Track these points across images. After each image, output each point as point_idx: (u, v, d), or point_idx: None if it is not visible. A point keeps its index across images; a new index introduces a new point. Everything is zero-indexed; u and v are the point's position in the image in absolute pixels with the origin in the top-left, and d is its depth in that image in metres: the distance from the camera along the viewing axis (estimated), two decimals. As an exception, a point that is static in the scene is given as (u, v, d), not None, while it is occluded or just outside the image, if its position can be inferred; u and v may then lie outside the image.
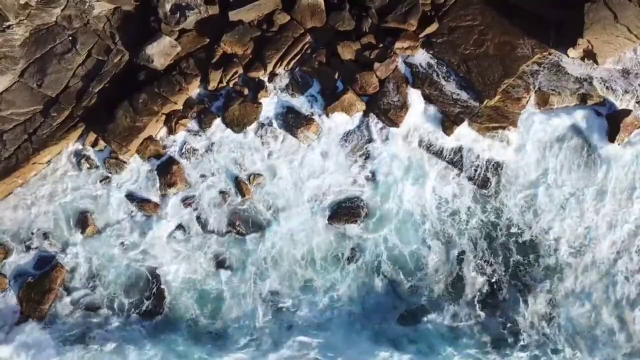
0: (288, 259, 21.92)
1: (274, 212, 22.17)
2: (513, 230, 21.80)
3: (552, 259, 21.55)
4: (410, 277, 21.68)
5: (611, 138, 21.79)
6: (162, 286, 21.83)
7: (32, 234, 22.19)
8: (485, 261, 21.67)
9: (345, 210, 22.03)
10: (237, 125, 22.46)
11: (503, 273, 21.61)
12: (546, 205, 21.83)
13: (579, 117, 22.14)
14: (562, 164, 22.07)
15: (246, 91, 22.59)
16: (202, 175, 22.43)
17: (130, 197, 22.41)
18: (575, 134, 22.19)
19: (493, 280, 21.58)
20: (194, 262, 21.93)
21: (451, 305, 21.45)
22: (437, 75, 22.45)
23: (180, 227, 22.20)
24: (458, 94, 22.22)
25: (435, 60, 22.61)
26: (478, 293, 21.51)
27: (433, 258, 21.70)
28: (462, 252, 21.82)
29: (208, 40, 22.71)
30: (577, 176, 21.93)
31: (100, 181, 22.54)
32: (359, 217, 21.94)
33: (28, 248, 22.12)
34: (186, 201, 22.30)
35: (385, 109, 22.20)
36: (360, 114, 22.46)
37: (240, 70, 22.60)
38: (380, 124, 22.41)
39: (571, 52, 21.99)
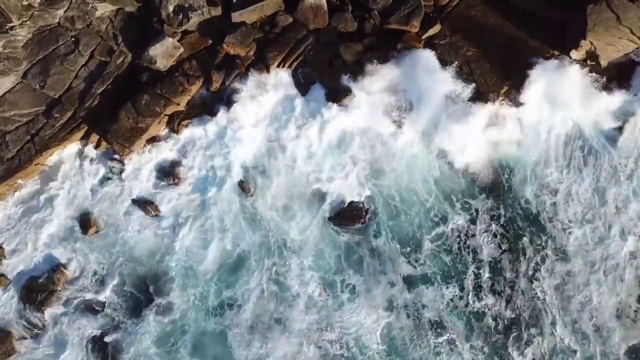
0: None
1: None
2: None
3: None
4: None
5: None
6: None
7: (35, 234, 22.19)
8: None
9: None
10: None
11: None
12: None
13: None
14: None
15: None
16: (205, 176, 22.45)
17: (132, 197, 22.36)
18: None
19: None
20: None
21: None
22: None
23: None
24: (460, 95, 22.20)
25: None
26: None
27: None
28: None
29: (211, 41, 22.71)
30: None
31: (102, 182, 22.50)
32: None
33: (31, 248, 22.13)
34: (188, 202, 22.32)
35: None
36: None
37: (243, 71, 22.61)
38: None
39: (574, 53, 21.98)
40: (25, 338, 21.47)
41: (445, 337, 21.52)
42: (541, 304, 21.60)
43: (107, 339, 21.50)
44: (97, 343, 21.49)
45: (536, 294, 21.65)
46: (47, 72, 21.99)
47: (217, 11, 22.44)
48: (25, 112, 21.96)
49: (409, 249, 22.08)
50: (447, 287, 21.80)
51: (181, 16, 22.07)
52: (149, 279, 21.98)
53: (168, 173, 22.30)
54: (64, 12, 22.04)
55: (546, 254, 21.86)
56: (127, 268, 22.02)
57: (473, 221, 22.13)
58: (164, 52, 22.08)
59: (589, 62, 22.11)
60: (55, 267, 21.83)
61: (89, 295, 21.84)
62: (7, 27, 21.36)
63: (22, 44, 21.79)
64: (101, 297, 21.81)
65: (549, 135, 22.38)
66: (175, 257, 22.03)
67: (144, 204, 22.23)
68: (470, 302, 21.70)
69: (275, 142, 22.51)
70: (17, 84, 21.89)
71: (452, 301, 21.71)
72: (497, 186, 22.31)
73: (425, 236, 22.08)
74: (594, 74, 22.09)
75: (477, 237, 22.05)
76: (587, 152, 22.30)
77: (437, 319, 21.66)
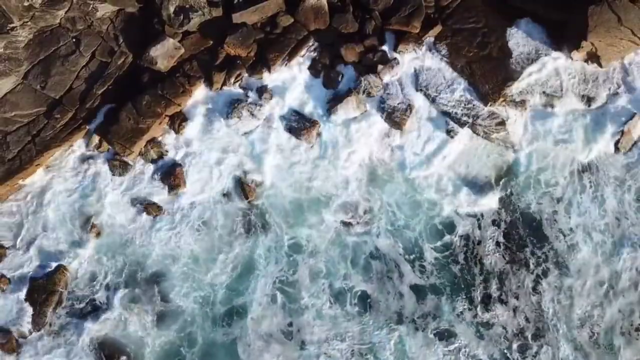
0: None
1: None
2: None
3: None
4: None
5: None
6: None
7: (36, 235, 22.20)
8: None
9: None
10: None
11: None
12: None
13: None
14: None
15: (250, 93, 22.62)
16: (205, 177, 22.43)
17: (134, 199, 22.39)
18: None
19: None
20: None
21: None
22: (441, 77, 22.45)
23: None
24: (462, 96, 22.23)
25: (439, 63, 22.60)
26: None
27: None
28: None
29: (211, 42, 22.67)
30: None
31: (103, 183, 22.43)
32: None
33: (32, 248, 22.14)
34: (189, 203, 22.32)
35: (389, 112, 22.23)
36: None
37: (244, 72, 22.61)
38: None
39: (575, 54, 21.97)
40: (25, 338, 21.51)
41: (456, 345, 21.45)
42: (545, 316, 21.51)
43: (107, 342, 21.55)
44: (97, 346, 21.52)
45: (541, 306, 21.57)
46: (48, 73, 21.99)
47: (218, 12, 22.42)
48: (26, 113, 21.97)
49: (413, 255, 22.04)
50: (456, 296, 21.76)
51: (182, 17, 22.06)
52: (152, 282, 21.96)
53: (169, 174, 22.30)
54: (65, 13, 22.02)
55: (548, 267, 21.74)
56: (130, 270, 22.02)
57: (479, 228, 22.09)
58: (164, 53, 22.08)
59: (589, 62, 22.10)
60: (56, 268, 21.85)
61: (90, 297, 21.87)
62: (8, 28, 21.33)
63: (23, 44, 21.79)
64: (102, 300, 21.81)
65: (549, 137, 22.35)
66: (178, 261, 22.02)
67: (146, 205, 22.25)
68: (479, 313, 21.63)
69: (275, 144, 22.52)
70: (18, 84, 21.90)
71: (462, 313, 21.65)
72: (502, 193, 22.25)
73: (428, 245, 22.03)
74: (593, 73, 22.10)
75: (483, 245, 21.96)
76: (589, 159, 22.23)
77: (446, 327, 21.60)
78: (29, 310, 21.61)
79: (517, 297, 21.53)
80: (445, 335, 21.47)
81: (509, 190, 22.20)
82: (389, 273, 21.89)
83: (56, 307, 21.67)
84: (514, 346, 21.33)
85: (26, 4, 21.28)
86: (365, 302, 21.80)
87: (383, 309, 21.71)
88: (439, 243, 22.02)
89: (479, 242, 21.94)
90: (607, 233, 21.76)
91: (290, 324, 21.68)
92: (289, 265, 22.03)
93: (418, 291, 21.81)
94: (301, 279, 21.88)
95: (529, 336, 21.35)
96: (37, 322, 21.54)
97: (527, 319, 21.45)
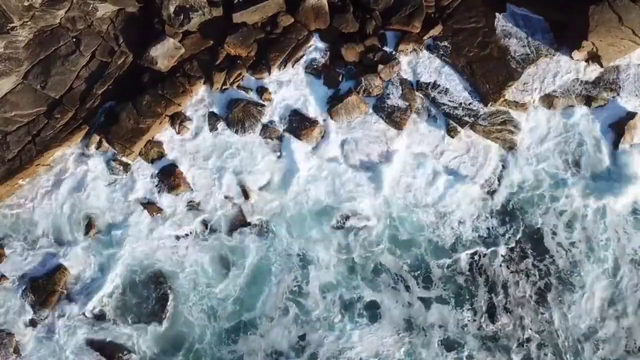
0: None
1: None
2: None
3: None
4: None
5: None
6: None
7: (37, 235, 22.18)
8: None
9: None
10: (240, 127, 22.45)
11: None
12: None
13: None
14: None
15: (250, 93, 22.61)
16: (206, 178, 22.38)
17: (133, 199, 22.33)
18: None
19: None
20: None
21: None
22: (441, 77, 22.43)
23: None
24: (462, 97, 22.21)
25: (439, 63, 22.60)
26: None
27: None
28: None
29: (212, 42, 22.69)
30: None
31: (103, 182, 22.42)
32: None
33: (32, 248, 22.12)
34: (189, 204, 22.30)
35: (389, 112, 22.21)
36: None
37: (244, 72, 22.61)
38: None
39: (575, 54, 21.95)
40: (26, 338, 21.49)
41: (465, 354, 21.31)
42: (549, 330, 21.38)
43: (108, 343, 21.57)
44: (97, 346, 21.54)
45: (545, 319, 21.42)
46: (48, 73, 22.00)
47: (218, 12, 22.43)
48: (26, 113, 21.97)
49: (418, 272, 21.89)
50: (462, 308, 21.63)
51: (182, 17, 22.06)
52: (152, 287, 21.89)
53: (169, 174, 22.26)
54: (65, 13, 22.06)
55: (551, 282, 21.56)
56: (129, 272, 21.93)
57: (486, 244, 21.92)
58: (165, 53, 22.07)
59: (590, 62, 22.08)
60: (56, 268, 21.83)
61: (89, 298, 21.78)
62: (8, 28, 21.38)
63: (23, 44, 21.80)
64: (102, 301, 21.76)
65: (549, 139, 22.27)
66: (180, 266, 21.94)
67: (146, 205, 22.21)
68: (483, 325, 21.46)
69: (276, 146, 22.49)
70: (18, 84, 21.91)
71: (467, 324, 21.50)
72: (507, 205, 22.05)
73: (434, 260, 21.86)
74: (594, 73, 22.10)
75: (488, 259, 21.79)
76: (590, 160, 22.02)
77: (453, 337, 21.43)
78: (29, 310, 21.62)
79: (521, 308, 21.42)
80: (455, 346, 21.35)
81: (512, 204, 22.02)
82: (396, 284, 21.76)
83: (56, 307, 21.66)
84: (518, 356, 21.26)
85: (26, 3, 21.31)
86: (374, 311, 21.64)
87: (392, 318, 21.59)
88: (447, 260, 21.88)
89: (484, 255, 21.80)
90: (609, 249, 21.53)
91: (303, 337, 21.52)
92: (301, 277, 21.82)
93: (425, 302, 21.67)
94: (312, 291, 21.69)
95: (533, 347, 21.28)
96: (37, 322, 21.55)
97: (531, 331, 21.32)
